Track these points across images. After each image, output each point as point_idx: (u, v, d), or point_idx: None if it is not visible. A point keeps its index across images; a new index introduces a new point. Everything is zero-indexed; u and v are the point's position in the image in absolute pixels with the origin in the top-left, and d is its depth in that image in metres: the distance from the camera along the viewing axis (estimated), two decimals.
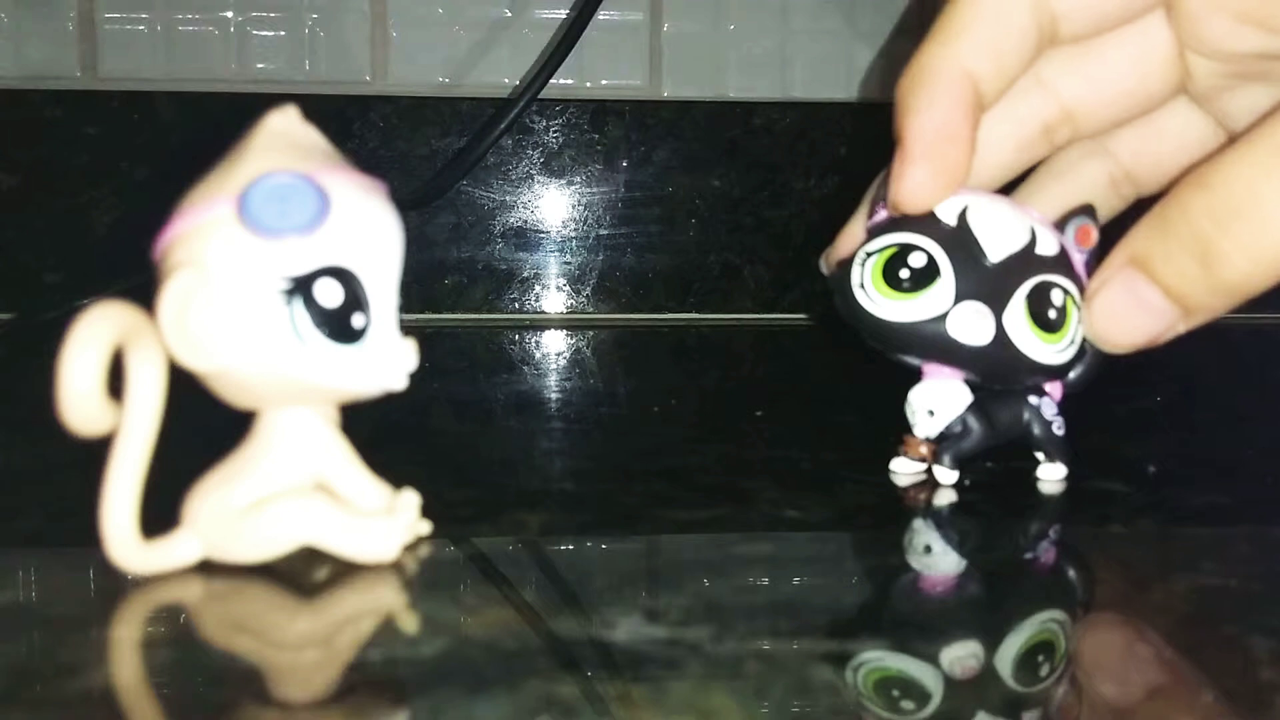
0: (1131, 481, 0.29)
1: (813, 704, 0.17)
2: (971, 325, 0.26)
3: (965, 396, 0.27)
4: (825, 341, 0.55)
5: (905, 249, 0.26)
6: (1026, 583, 0.23)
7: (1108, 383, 0.29)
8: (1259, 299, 0.24)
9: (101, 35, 0.56)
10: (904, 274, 0.26)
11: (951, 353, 0.26)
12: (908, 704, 0.17)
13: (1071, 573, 0.24)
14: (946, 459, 0.28)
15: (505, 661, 0.18)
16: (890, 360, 0.28)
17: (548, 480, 0.30)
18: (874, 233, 0.27)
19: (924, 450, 0.28)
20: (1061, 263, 0.27)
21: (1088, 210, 0.28)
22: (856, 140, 0.58)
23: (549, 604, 0.21)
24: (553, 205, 0.58)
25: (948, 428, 0.28)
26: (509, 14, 0.58)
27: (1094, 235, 0.27)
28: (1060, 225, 0.27)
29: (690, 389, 0.45)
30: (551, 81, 0.52)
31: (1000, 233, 0.26)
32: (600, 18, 0.55)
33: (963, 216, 0.26)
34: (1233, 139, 0.27)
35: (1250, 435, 0.33)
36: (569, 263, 0.58)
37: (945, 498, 0.27)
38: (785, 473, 0.30)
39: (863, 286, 0.27)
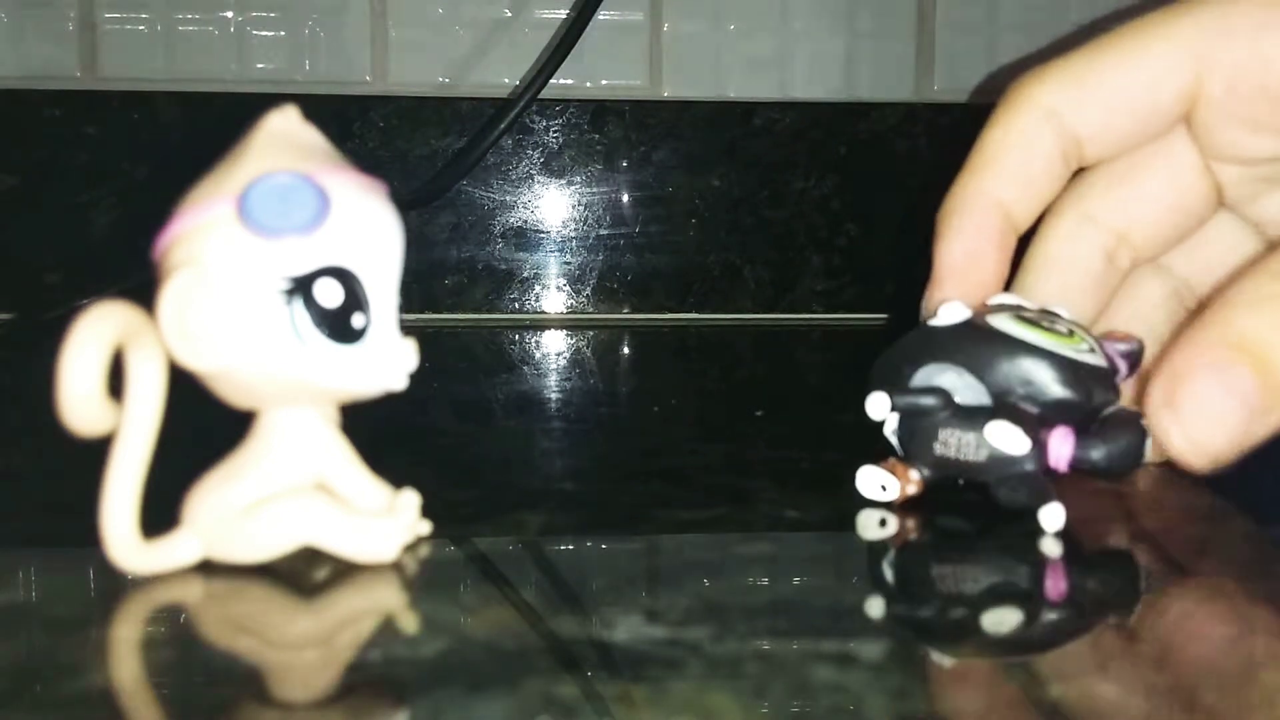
0: (1132, 481, 0.29)
1: (813, 704, 0.17)
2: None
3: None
4: (825, 341, 0.55)
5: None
6: (1027, 584, 0.23)
7: None
8: None
9: (101, 35, 0.56)
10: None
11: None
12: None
13: (1072, 572, 0.24)
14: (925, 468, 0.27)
15: (505, 661, 0.18)
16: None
17: (548, 480, 0.30)
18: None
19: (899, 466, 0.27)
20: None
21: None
22: (856, 140, 0.58)
23: (549, 604, 0.21)
24: (553, 205, 0.58)
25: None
26: (509, 14, 0.58)
27: (1133, 338, 0.27)
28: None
29: (690, 389, 0.45)
30: (551, 81, 0.52)
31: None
32: (600, 18, 0.55)
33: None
34: (1271, 245, 0.28)
35: None
36: (569, 263, 0.58)
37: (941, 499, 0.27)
38: (785, 473, 0.30)
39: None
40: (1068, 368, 0.25)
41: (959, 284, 0.28)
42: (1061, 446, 0.25)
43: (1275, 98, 0.25)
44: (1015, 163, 0.27)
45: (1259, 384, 0.21)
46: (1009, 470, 0.25)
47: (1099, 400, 0.25)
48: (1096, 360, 0.25)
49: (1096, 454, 0.25)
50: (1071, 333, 0.25)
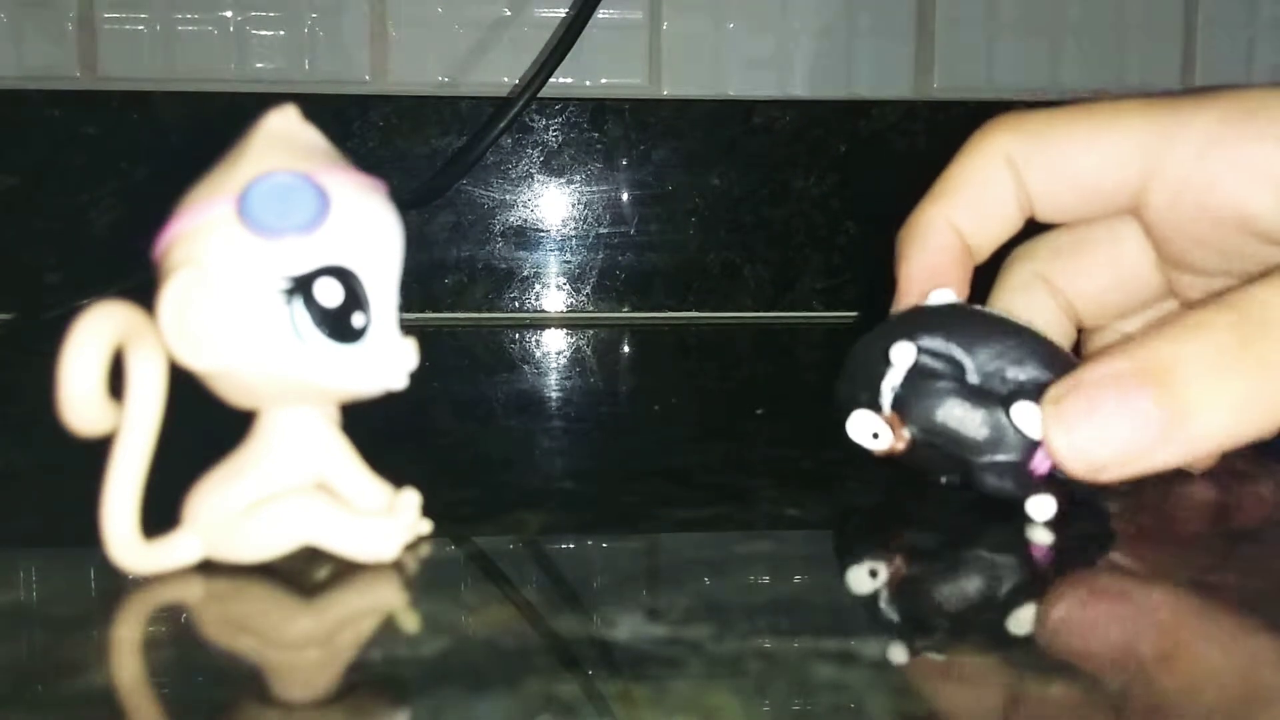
0: (1131, 481, 0.29)
1: (813, 703, 0.17)
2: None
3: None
4: (825, 341, 0.55)
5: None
6: (1026, 582, 0.23)
7: None
8: None
9: (101, 35, 0.56)
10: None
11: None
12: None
13: (1072, 573, 0.24)
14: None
15: (505, 661, 0.18)
16: None
17: (548, 480, 0.30)
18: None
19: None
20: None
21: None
22: (856, 139, 0.58)
23: (549, 604, 0.21)
24: (552, 204, 0.58)
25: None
26: (509, 13, 0.58)
27: None
28: None
29: (690, 388, 0.45)
30: (551, 80, 0.52)
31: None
32: (600, 17, 0.55)
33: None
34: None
35: None
36: (569, 261, 0.58)
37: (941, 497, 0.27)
38: (785, 472, 0.30)
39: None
40: (1059, 354, 0.25)
41: (922, 297, 0.28)
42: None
43: (1216, 219, 0.25)
44: (974, 197, 0.29)
45: (1160, 412, 0.21)
46: (998, 456, 0.25)
47: None
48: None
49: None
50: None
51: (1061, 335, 0.29)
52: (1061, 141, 0.27)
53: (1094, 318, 0.30)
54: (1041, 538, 0.25)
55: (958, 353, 0.26)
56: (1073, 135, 0.27)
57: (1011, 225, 0.29)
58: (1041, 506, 0.25)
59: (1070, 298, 0.29)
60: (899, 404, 0.26)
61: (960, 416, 0.25)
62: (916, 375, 0.26)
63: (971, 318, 0.26)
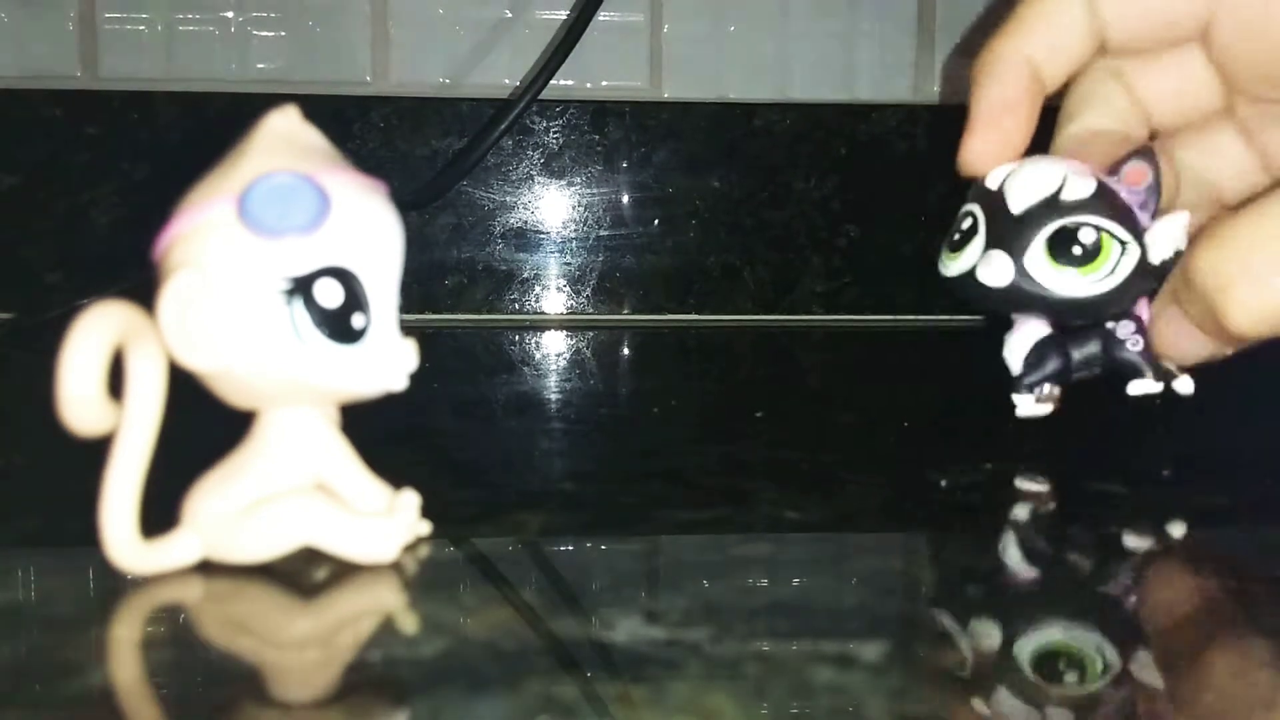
0: (1131, 482, 0.29)
1: (812, 705, 0.17)
2: (994, 270, 0.29)
3: (1041, 333, 0.30)
4: (825, 344, 0.55)
5: (961, 215, 0.30)
6: (1027, 581, 0.23)
7: (1108, 383, 0.29)
8: None
9: (101, 35, 0.56)
10: (956, 236, 0.30)
11: (986, 297, 0.29)
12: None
13: (1072, 573, 0.24)
14: (1022, 384, 0.30)
15: (505, 661, 0.18)
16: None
17: (548, 480, 0.30)
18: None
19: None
20: (1097, 203, 0.28)
21: (1142, 152, 0.29)
22: (856, 141, 0.58)
23: (549, 604, 0.21)
24: (553, 206, 0.58)
25: (1025, 361, 0.30)
26: (509, 14, 0.58)
27: (1147, 174, 0.29)
28: (1115, 169, 0.29)
29: (690, 389, 0.45)
30: (552, 82, 0.52)
31: (1027, 186, 0.29)
32: (600, 18, 0.55)
33: (1006, 179, 0.29)
34: (1274, 178, 0.30)
35: (1252, 435, 0.33)
36: (569, 263, 0.58)
37: (944, 498, 0.27)
38: (785, 473, 0.30)
39: (940, 254, 0.31)
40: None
41: (994, 129, 0.30)
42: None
43: (1276, 50, 0.27)
44: (1046, 28, 0.30)
45: (1224, 314, 0.26)
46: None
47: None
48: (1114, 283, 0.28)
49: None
50: (1094, 255, 0.28)
51: (1133, 126, 0.31)
52: None
53: (1161, 118, 0.31)
54: (1046, 540, 0.25)
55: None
56: None
57: (1083, 57, 0.30)
58: (1142, 388, 0.29)
59: (1140, 95, 0.31)
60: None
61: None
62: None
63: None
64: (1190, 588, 0.22)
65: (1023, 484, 0.29)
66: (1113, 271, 0.28)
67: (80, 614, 0.20)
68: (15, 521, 0.26)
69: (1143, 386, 0.29)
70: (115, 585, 0.21)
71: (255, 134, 0.22)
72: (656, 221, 0.58)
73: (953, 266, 0.30)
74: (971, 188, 0.31)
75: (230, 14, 0.57)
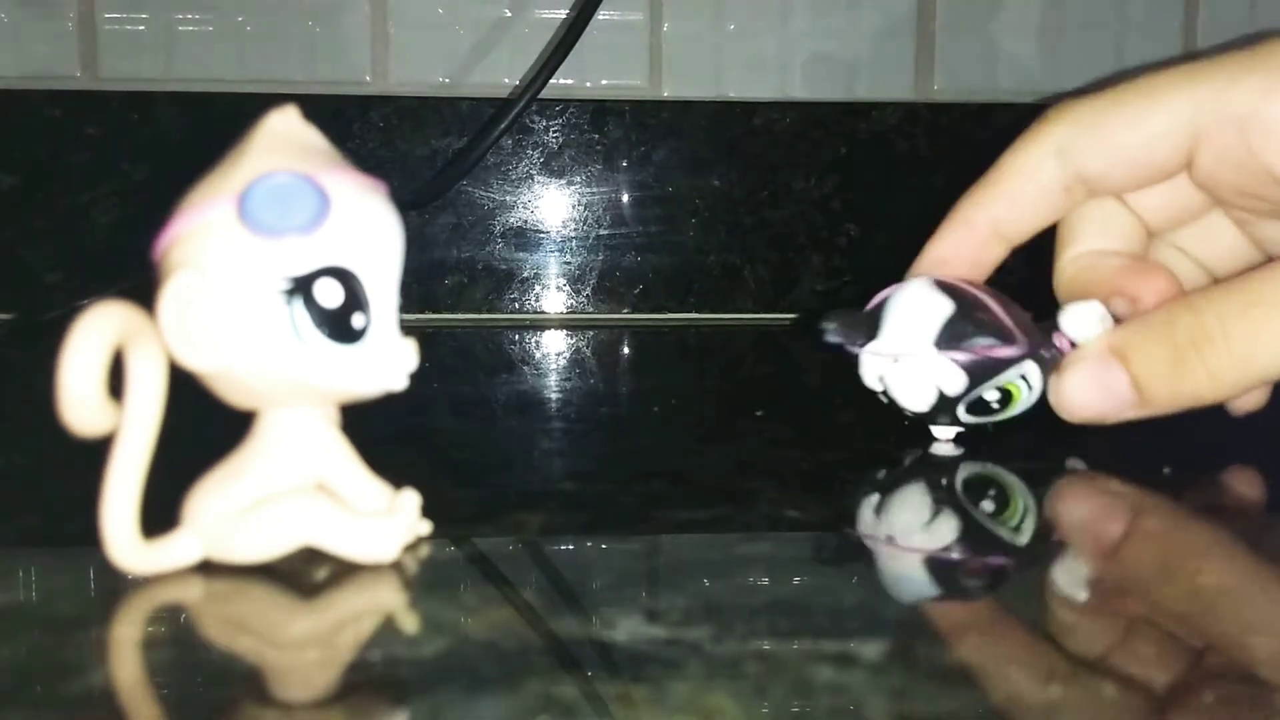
0: (1131, 482, 0.29)
1: (813, 704, 0.17)
2: (945, 439, 0.32)
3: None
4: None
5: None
6: (1025, 582, 0.23)
7: None
8: None
9: (101, 35, 0.56)
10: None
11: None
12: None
13: (1071, 573, 0.24)
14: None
15: (505, 661, 0.18)
16: None
17: (548, 480, 0.30)
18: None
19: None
20: (978, 372, 0.30)
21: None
22: (856, 140, 0.58)
23: (549, 604, 0.21)
24: (553, 205, 0.58)
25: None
26: (509, 14, 0.58)
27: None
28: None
29: (690, 389, 0.45)
30: (551, 81, 0.52)
31: (908, 398, 0.31)
32: (600, 18, 0.55)
33: (884, 384, 0.31)
34: (1269, 258, 0.31)
35: (1250, 435, 0.33)
36: (569, 263, 0.58)
37: (941, 496, 0.27)
38: (785, 473, 0.30)
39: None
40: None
41: (936, 269, 0.32)
42: None
43: (1256, 179, 0.28)
44: (1014, 187, 0.31)
45: (1132, 390, 0.28)
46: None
47: None
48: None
49: None
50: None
51: (1133, 242, 0.31)
52: (1115, 123, 0.29)
53: (1156, 225, 0.32)
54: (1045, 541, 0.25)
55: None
56: (1125, 115, 0.29)
57: (1056, 211, 0.31)
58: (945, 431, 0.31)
59: (1133, 207, 0.31)
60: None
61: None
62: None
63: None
64: (1191, 587, 0.22)
65: (1023, 483, 0.29)
66: (1031, 389, 0.30)
67: (80, 614, 0.20)
68: (15, 521, 0.26)
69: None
70: (115, 585, 0.21)
71: (255, 134, 0.22)
72: (656, 220, 0.58)
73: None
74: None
75: (230, 14, 0.57)
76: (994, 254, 0.32)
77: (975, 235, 0.32)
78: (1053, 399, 0.29)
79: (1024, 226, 0.31)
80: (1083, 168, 0.30)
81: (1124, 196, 0.31)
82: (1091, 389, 0.28)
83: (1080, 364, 0.29)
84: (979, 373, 0.29)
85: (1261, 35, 0.28)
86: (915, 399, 0.30)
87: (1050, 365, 0.30)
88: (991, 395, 0.30)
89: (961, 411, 0.30)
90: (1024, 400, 0.30)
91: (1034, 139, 0.31)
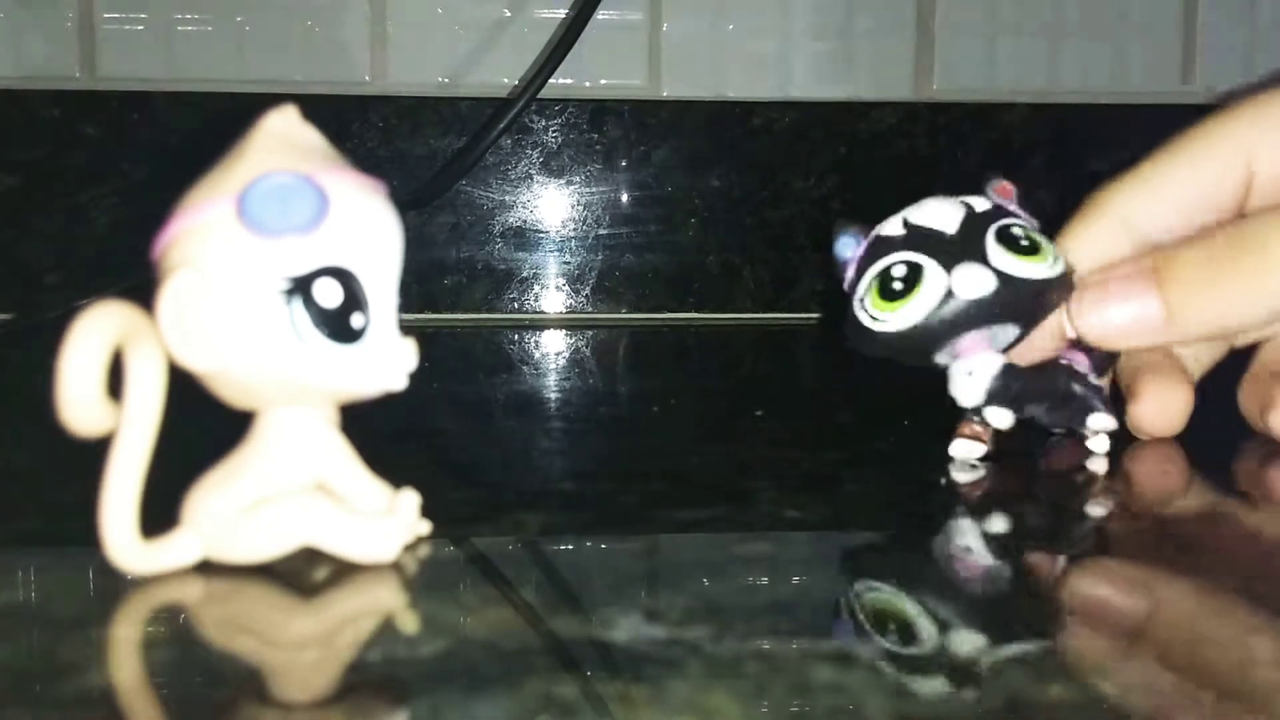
0: (1130, 481, 0.29)
1: (812, 704, 0.17)
2: (974, 281, 0.28)
3: (999, 360, 0.29)
4: (825, 341, 0.55)
5: (885, 271, 0.29)
6: (1027, 583, 0.23)
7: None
8: None
9: (101, 35, 0.56)
10: (896, 285, 0.28)
11: (976, 316, 0.28)
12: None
13: (1071, 573, 0.24)
14: (994, 406, 0.29)
15: (505, 661, 0.18)
16: (925, 370, 0.30)
17: (548, 480, 0.30)
18: (852, 274, 0.30)
19: (976, 428, 0.30)
20: (1000, 209, 0.29)
21: (993, 175, 0.30)
22: (856, 140, 0.58)
23: (549, 604, 0.21)
24: (552, 205, 0.58)
25: (988, 390, 0.29)
26: (508, 14, 0.58)
27: (1011, 190, 0.30)
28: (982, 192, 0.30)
29: (690, 389, 0.45)
30: (551, 81, 0.52)
31: (943, 210, 0.29)
32: (600, 17, 0.55)
33: (906, 223, 0.29)
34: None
35: (1249, 435, 0.33)
36: (568, 262, 0.58)
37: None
38: (785, 473, 0.30)
39: (874, 318, 0.29)
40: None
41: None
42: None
43: None
44: (1084, 264, 0.30)
45: (1159, 304, 0.28)
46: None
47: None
48: (1064, 265, 0.29)
49: None
50: (1037, 246, 0.28)
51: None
52: (1173, 177, 0.30)
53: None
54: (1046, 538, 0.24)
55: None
56: (1182, 167, 0.30)
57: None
58: (1101, 424, 0.30)
59: (1150, 239, 0.30)
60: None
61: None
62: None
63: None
64: (1191, 587, 0.22)
65: (1023, 481, 0.29)
66: (1056, 259, 0.29)
67: (80, 614, 0.20)
68: (15, 521, 0.26)
69: (1101, 421, 0.30)
70: (115, 585, 0.21)
71: (254, 134, 0.22)
72: (656, 220, 0.58)
73: (906, 313, 0.28)
74: (852, 264, 0.30)
75: (229, 14, 0.57)
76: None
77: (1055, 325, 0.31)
78: (1076, 319, 0.29)
79: None
80: (1149, 232, 0.30)
81: (1137, 225, 0.31)
82: (1118, 308, 0.28)
83: (1108, 281, 0.29)
84: (1002, 207, 0.29)
85: None
86: (947, 212, 0.29)
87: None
88: (1020, 229, 0.28)
89: (992, 237, 0.28)
90: (1048, 254, 0.28)
91: (1093, 216, 0.31)
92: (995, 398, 0.29)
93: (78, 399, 0.20)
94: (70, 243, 0.56)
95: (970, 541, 0.25)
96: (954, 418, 0.30)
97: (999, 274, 0.28)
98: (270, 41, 0.57)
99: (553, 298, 0.58)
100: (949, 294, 0.28)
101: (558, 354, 0.51)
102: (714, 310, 0.59)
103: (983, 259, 0.28)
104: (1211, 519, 0.27)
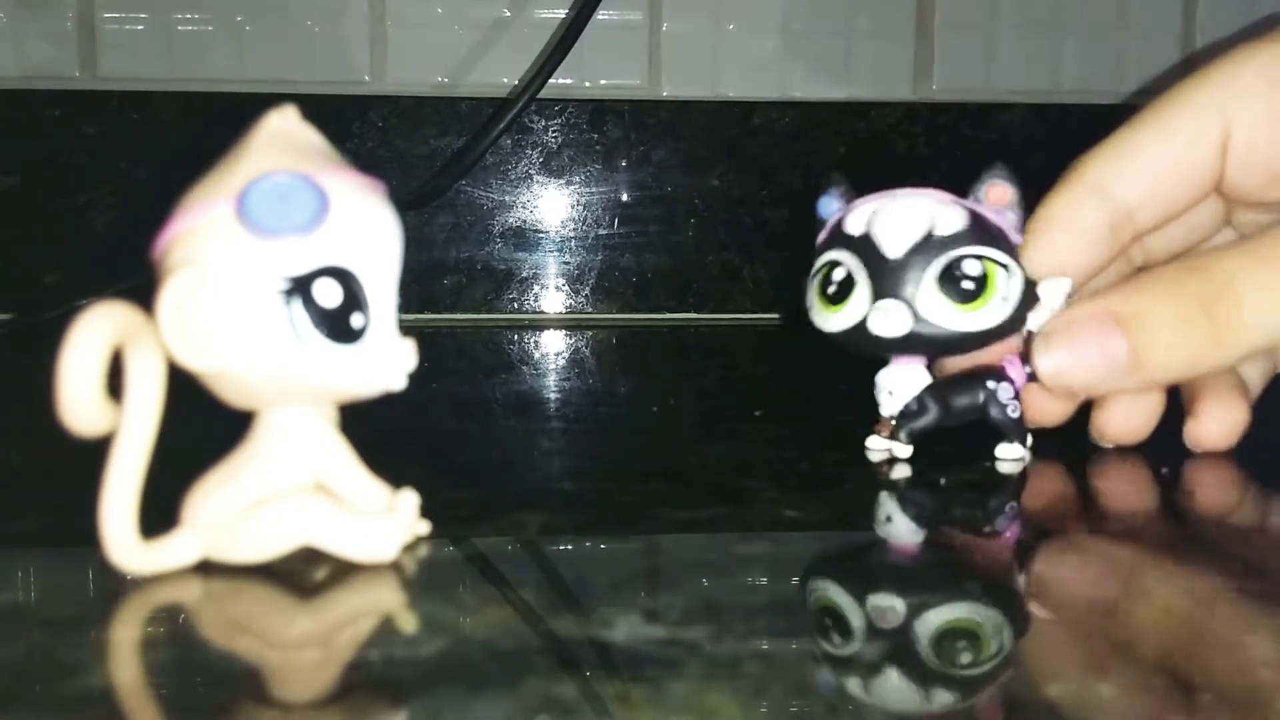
0: (1131, 481, 0.29)
1: (812, 704, 0.17)
2: (890, 320, 0.28)
3: (922, 379, 0.30)
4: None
5: (830, 265, 0.30)
6: (1025, 580, 0.23)
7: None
8: None
9: (101, 35, 0.56)
10: (830, 289, 0.29)
11: (885, 348, 0.29)
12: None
13: (1071, 574, 0.24)
14: (901, 435, 0.30)
15: (505, 661, 0.18)
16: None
17: (547, 480, 0.30)
18: (815, 254, 0.31)
19: (889, 429, 0.30)
20: (972, 232, 0.28)
21: (997, 169, 0.29)
22: (856, 140, 0.58)
23: (549, 604, 0.21)
24: (552, 205, 0.58)
25: (905, 407, 0.30)
26: (508, 14, 0.58)
27: (1007, 193, 0.29)
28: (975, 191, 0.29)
29: (690, 389, 0.45)
30: (550, 81, 0.52)
31: (898, 229, 0.28)
32: (599, 18, 0.55)
33: (868, 223, 0.29)
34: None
35: (1249, 434, 0.33)
36: (568, 263, 0.58)
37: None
38: (785, 473, 0.30)
39: (811, 307, 0.30)
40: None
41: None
42: None
43: None
44: (1060, 234, 0.29)
45: (1128, 353, 0.27)
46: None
47: None
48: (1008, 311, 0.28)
49: None
50: (982, 288, 0.28)
51: (1101, 253, 0.30)
52: (1146, 143, 0.29)
53: (1152, 224, 0.30)
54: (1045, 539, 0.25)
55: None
56: (1155, 132, 0.29)
57: (1106, 252, 0.30)
58: (1009, 453, 0.30)
59: (1131, 206, 0.30)
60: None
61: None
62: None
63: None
64: (1190, 587, 0.22)
65: (1023, 481, 0.29)
66: (1005, 299, 0.28)
67: (81, 614, 0.20)
68: (15, 521, 0.26)
69: (1012, 452, 0.30)
70: (115, 585, 0.21)
71: (254, 134, 0.22)
72: (655, 220, 0.58)
73: (835, 320, 0.29)
74: (824, 231, 0.30)
75: (229, 14, 0.57)
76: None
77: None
78: (1038, 364, 0.28)
79: (1076, 278, 0.30)
80: (1125, 198, 0.29)
81: (1115, 194, 0.30)
82: (1083, 354, 0.27)
83: (1072, 326, 0.27)
84: (978, 227, 0.28)
85: (1269, 20, 0.29)
86: (905, 229, 0.28)
87: (1029, 290, 0.28)
88: (974, 268, 0.28)
89: (932, 278, 0.28)
90: (996, 295, 0.28)
91: (1068, 184, 0.30)
92: (909, 417, 0.30)
93: (78, 399, 0.20)
94: (69, 243, 0.56)
95: (970, 541, 0.25)
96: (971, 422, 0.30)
97: (918, 319, 0.28)
98: (270, 41, 0.57)
99: (552, 298, 0.58)
100: (866, 320, 0.28)
101: (557, 354, 0.51)
102: (714, 310, 0.59)
103: (910, 298, 0.28)
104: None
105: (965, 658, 0.19)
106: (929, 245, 0.28)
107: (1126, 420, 0.31)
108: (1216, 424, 0.30)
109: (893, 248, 0.28)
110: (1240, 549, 0.25)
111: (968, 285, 0.28)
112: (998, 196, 0.29)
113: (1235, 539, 0.26)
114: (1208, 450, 0.30)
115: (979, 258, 0.28)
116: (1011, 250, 0.29)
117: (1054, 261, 0.29)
